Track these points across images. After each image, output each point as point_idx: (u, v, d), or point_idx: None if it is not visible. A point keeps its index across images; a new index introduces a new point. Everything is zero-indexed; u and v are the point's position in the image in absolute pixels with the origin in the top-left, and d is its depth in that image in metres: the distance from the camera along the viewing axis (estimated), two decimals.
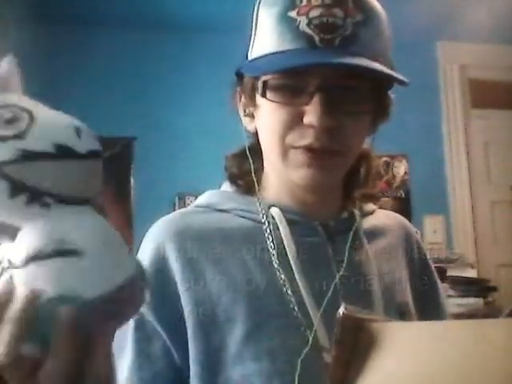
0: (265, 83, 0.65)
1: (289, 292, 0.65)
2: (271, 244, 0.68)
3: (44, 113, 0.45)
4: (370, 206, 0.79)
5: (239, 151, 0.75)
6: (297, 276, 0.66)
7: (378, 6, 0.67)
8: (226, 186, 0.76)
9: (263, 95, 0.66)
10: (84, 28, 2.86)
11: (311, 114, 0.62)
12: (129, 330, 0.67)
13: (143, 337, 0.66)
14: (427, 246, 0.88)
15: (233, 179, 0.76)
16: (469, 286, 2.63)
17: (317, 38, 0.62)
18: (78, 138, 0.43)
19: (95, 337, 0.41)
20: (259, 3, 0.69)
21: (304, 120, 0.63)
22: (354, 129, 0.65)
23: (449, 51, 3.37)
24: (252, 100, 0.69)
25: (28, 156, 0.40)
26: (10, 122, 0.41)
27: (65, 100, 3.26)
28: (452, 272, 2.70)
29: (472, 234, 3.29)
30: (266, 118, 0.67)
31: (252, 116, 0.72)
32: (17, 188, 0.40)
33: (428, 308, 0.77)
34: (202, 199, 0.76)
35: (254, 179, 0.72)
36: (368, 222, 0.76)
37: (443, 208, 3.26)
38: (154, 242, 0.70)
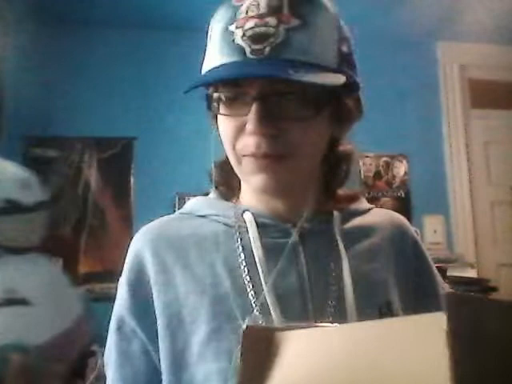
0: (208, 97, 0.69)
1: (251, 294, 0.67)
2: (240, 246, 0.70)
3: None
4: (363, 205, 0.79)
5: (222, 160, 0.77)
6: (262, 278, 0.67)
7: (322, 6, 0.66)
8: (212, 193, 0.80)
9: (208, 108, 0.70)
10: (84, 28, 2.86)
11: (249, 123, 0.64)
12: (111, 331, 0.72)
13: (123, 337, 0.71)
14: (427, 246, 0.88)
15: (216, 186, 0.79)
16: (469, 286, 2.63)
17: (248, 50, 0.63)
18: (26, 191, 0.43)
19: (48, 374, 0.42)
20: (212, 19, 0.71)
21: (246, 129, 0.65)
22: (299, 133, 0.65)
23: (449, 51, 3.37)
24: (212, 113, 0.72)
25: None
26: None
27: (65, 100, 3.27)
28: (452, 272, 2.70)
29: (472, 234, 3.29)
30: (220, 129, 0.70)
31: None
32: None
33: (426, 305, 0.76)
34: (186, 206, 0.79)
35: (219, 187, 0.78)
36: (354, 222, 0.76)
37: (443, 208, 3.26)
38: (134, 247, 0.74)
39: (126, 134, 2.89)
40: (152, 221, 0.77)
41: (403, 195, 3.23)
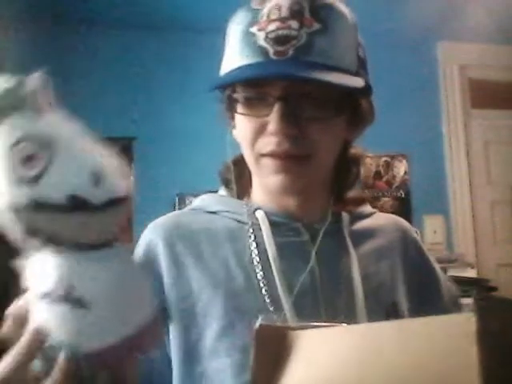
0: (229, 97, 0.70)
1: (264, 290, 0.68)
2: (253, 243, 0.71)
3: (64, 152, 0.41)
4: (367, 209, 0.81)
5: (234, 158, 0.79)
6: (275, 274, 0.68)
7: (341, 13, 0.69)
8: (222, 191, 0.81)
9: (229, 108, 0.72)
10: (84, 28, 2.86)
11: (272, 123, 0.65)
12: None
13: None
14: (427, 246, 0.89)
15: (226, 184, 0.80)
16: (469, 286, 2.63)
17: (271, 51, 0.65)
18: (95, 187, 0.41)
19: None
20: (230, 23, 0.73)
21: (267, 129, 0.66)
22: (319, 134, 0.67)
23: (449, 51, 3.37)
24: (230, 113, 0.74)
25: (40, 205, 0.39)
26: (29, 159, 0.40)
27: (65, 100, 3.25)
28: (452, 272, 2.70)
29: (472, 233, 3.29)
30: (239, 129, 0.72)
31: (235, 128, 0.76)
32: (29, 232, 0.40)
33: (430, 304, 0.77)
34: (196, 202, 0.80)
35: (234, 186, 0.78)
36: (360, 224, 0.78)
37: (443, 208, 3.26)
38: (145, 239, 0.75)
39: (125, 134, 2.89)
40: (151, 221, 0.78)
41: (403, 195, 3.23)
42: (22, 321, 0.43)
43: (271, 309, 0.67)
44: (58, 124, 0.43)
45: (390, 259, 0.77)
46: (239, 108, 0.70)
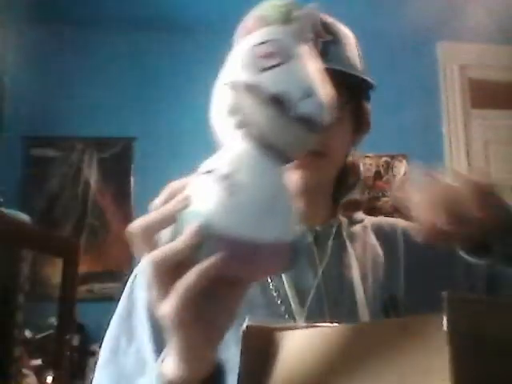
0: None
1: (271, 285, 0.74)
2: None
3: (296, 63, 0.46)
4: (360, 215, 0.87)
5: None
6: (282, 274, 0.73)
7: (345, 30, 0.78)
8: None
9: None
10: (84, 28, 2.86)
11: None
12: (141, 308, 0.72)
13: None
14: None
15: None
16: None
17: None
18: (301, 100, 0.44)
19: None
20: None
21: None
22: (334, 132, 0.72)
23: (449, 51, 3.37)
24: None
25: (253, 89, 0.44)
26: (267, 55, 0.46)
27: (65, 100, 3.27)
28: None
29: None
30: None
31: None
32: (232, 110, 0.46)
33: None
34: None
35: None
36: (356, 228, 0.84)
37: None
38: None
39: (126, 134, 2.89)
40: None
41: None
42: (176, 193, 0.46)
43: (278, 303, 0.72)
44: (302, 48, 0.48)
45: (386, 256, 0.81)
46: None
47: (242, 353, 0.51)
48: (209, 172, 0.45)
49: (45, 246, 1.97)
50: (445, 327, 0.36)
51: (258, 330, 0.52)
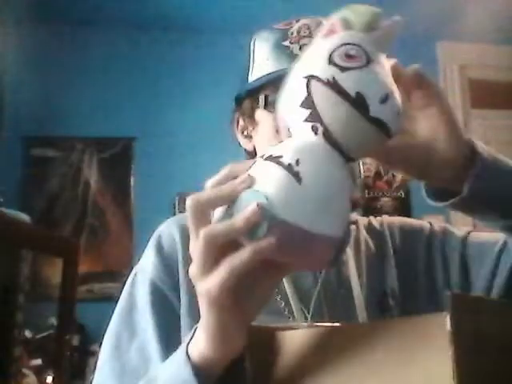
0: (266, 97, 0.77)
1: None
2: None
3: (375, 68, 0.48)
4: (353, 217, 0.88)
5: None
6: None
7: None
8: None
9: (266, 107, 0.77)
10: (84, 28, 2.86)
11: None
12: (143, 298, 0.73)
13: (160, 309, 0.72)
14: None
15: None
16: None
17: None
18: (379, 104, 0.46)
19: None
20: (254, 39, 0.82)
21: None
22: None
23: (449, 51, 3.37)
24: (251, 119, 0.80)
25: (335, 86, 0.46)
26: (349, 57, 0.47)
27: (65, 100, 3.27)
28: None
29: None
30: (268, 130, 0.77)
31: (250, 137, 0.83)
32: (306, 103, 0.47)
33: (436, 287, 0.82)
34: None
35: None
36: (351, 227, 0.85)
37: (443, 208, 3.26)
38: (166, 229, 0.79)
39: (126, 134, 2.89)
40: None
41: (403, 195, 3.23)
42: (235, 174, 0.46)
43: (278, 298, 0.73)
44: (381, 56, 0.51)
45: (378, 253, 0.83)
46: (274, 108, 0.74)
47: (246, 352, 0.51)
48: (274, 158, 0.45)
49: (45, 246, 1.97)
50: (448, 326, 0.36)
51: (260, 329, 0.52)
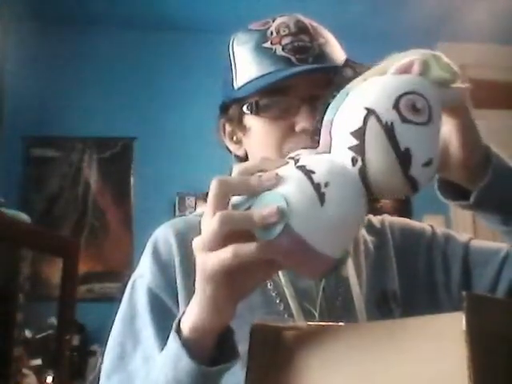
0: (257, 102, 0.75)
1: (270, 286, 0.74)
2: None
3: (435, 131, 0.49)
4: None
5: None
6: (279, 272, 0.74)
7: (328, 32, 0.81)
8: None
9: (257, 113, 0.75)
10: (84, 28, 2.86)
11: (302, 122, 0.72)
12: (143, 311, 0.73)
13: (159, 311, 0.73)
14: None
15: None
16: None
17: (293, 58, 0.73)
18: (421, 167, 0.47)
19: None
20: (232, 43, 0.80)
21: (296, 129, 0.73)
22: None
23: (449, 51, 3.32)
24: (240, 125, 0.79)
25: (390, 131, 0.46)
26: (414, 108, 0.47)
27: (65, 100, 3.26)
28: None
29: (472, 234, 3.29)
30: (260, 135, 0.77)
31: (240, 142, 0.81)
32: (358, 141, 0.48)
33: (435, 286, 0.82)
34: (201, 209, 0.85)
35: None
36: None
37: (443, 208, 3.26)
38: (161, 234, 0.79)
39: (126, 134, 2.89)
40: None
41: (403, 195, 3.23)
42: (266, 169, 0.49)
43: (277, 302, 0.73)
44: (441, 117, 0.52)
45: (378, 252, 0.82)
46: (263, 113, 0.74)
47: (250, 350, 0.51)
48: (306, 170, 0.47)
49: (45, 245, 1.97)
50: (463, 327, 0.36)
51: (265, 327, 0.52)
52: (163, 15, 2.85)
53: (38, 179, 2.80)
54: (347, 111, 0.50)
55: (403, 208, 3.16)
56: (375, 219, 0.89)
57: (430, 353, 0.39)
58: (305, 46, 0.74)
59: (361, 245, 0.83)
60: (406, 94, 0.48)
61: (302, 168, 0.47)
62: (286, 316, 0.72)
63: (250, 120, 0.77)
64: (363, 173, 0.47)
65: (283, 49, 0.74)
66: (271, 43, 0.75)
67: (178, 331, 0.53)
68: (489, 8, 2.85)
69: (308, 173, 0.47)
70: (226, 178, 0.49)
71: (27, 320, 1.94)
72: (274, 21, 0.78)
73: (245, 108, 0.76)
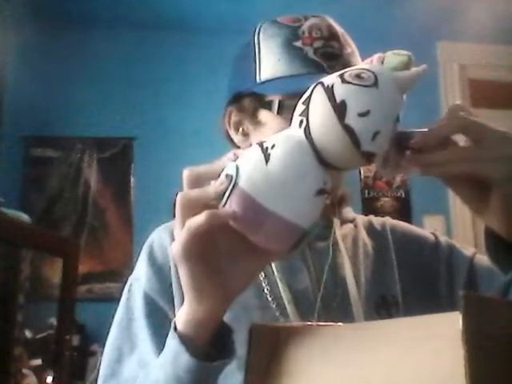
0: (280, 103, 0.73)
1: (266, 289, 0.74)
2: None
3: (373, 92, 0.51)
4: (351, 214, 0.87)
5: None
6: (275, 274, 0.74)
7: (352, 41, 0.80)
8: None
9: (278, 113, 0.73)
10: (84, 28, 2.86)
11: None
12: (139, 316, 0.73)
13: (155, 316, 0.73)
14: None
15: None
16: None
17: (325, 64, 0.72)
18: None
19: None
20: (258, 32, 0.78)
21: None
22: None
23: (449, 51, 3.37)
24: (253, 118, 0.77)
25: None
26: (361, 78, 0.50)
27: (65, 100, 3.26)
28: None
29: (472, 234, 3.29)
30: (275, 133, 0.75)
31: (247, 135, 0.80)
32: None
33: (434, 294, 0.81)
34: None
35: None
36: (347, 227, 0.84)
37: (443, 208, 3.26)
38: (157, 238, 0.79)
39: (126, 134, 2.89)
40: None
41: (403, 195, 3.23)
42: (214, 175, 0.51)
43: (273, 306, 0.73)
44: (398, 95, 0.56)
45: (378, 255, 0.82)
46: (287, 115, 0.73)
47: (249, 350, 0.51)
48: (261, 142, 0.51)
49: (45, 246, 1.97)
50: (460, 326, 0.36)
51: (263, 328, 0.52)
52: (163, 15, 2.85)
53: (37, 179, 2.80)
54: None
55: (403, 208, 3.16)
56: (376, 221, 0.88)
57: (427, 353, 0.39)
58: (335, 54, 0.73)
59: (360, 246, 0.82)
60: (355, 70, 0.52)
61: (258, 143, 0.51)
62: (281, 320, 0.72)
63: (267, 116, 0.75)
64: (307, 131, 0.50)
65: (314, 52, 0.73)
66: (302, 43, 0.73)
67: (176, 329, 0.54)
68: (489, 8, 2.85)
69: (261, 143, 0.50)
70: (193, 169, 0.53)
71: (27, 320, 1.94)
72: (305, 19, 0.76)
73: (266, 105, 0.75)
